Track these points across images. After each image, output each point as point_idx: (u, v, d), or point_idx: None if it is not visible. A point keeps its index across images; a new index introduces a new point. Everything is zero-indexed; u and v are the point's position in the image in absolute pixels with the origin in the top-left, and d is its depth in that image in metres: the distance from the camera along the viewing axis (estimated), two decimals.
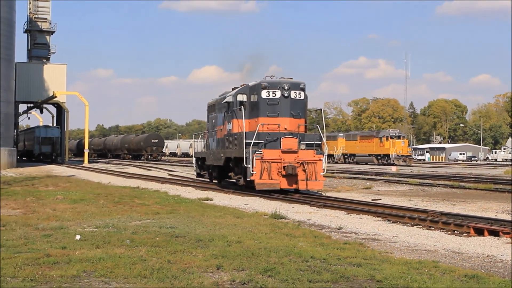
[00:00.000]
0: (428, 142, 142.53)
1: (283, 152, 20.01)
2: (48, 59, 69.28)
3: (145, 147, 76.48)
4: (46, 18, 68.87)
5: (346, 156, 72.17)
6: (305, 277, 7.42)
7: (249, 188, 20.81)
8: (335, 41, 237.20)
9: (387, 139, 64.97)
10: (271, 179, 19.66)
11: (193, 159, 29.55)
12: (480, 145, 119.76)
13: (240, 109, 21.03)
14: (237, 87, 22.51)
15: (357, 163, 68.86)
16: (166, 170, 43.70)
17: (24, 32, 70.32)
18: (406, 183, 28.07)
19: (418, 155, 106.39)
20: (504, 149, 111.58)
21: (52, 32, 69.73)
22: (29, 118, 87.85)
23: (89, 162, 62.56)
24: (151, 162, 69.43)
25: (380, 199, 19.71)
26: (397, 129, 77.28)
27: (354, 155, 70.68)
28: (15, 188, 22.56)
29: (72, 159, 78.53)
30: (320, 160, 20.30)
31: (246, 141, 19.91)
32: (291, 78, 21.25)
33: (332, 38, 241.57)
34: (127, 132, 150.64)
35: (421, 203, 18.61)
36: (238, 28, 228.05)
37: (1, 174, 34.77)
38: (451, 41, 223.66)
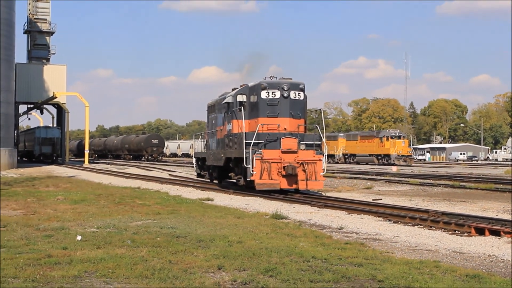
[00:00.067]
0: (429, 142, 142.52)
1: (283, 152, 20.02)
2: (48, 59, 69.32)
3: (146, 148, 76.49)
4: (45, 19, 68.92)
5: (346, 156, 72.17)
6: (306, 277, 7.42)
7: (249, 188, 20.82)
8: (335, 41, 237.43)
9: (387, 139, 64.98)
10: (271, 179, 19.68)
11: (194, 160, 29.55)
12: (480, 145, 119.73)
13: (240, 110, 21.04)
14: (237, 88, 22.52)
15: (357, 163, 68.86)
16: (166, 170, 43.71)
17: (24, 33, 70.39)
18: (406, 183, 28.07)
19: (418, 155, 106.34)
20: (505, 149, 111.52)
21: (52, 33, 69.77)
22: (29, 119, 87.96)
23: (89, 162, 62.60)
24: (152, 162, 69.42)
25: (381, 199, 19.71)
26: (397, 129, 77.29)
27: (354, 155, 70.68)
28: (16, 189, 22.57)
29: (72, 159, 78.59)
30: (320, 160, 20.32)
31: (246, 141, 19.94)
32: (291, 79, 21.27)
33: (332, 38, 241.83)
34: (127, 132, 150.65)
35: (422, 203, 18.61)
36: (238, 28, 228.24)
37: (2, 175, 34.77)
38: (451, 41, 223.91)
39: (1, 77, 44.69)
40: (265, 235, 10.91)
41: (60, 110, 70.44)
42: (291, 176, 19.89)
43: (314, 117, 29.42)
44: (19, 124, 78.80)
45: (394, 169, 48.39)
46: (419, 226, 12.93)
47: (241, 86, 22.26)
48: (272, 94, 20.67)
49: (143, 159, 77.27)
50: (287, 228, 11.96)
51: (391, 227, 12.89)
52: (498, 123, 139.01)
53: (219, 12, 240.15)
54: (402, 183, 28.15)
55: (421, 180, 29.94)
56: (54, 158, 65.24)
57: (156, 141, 78.28)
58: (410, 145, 78.29)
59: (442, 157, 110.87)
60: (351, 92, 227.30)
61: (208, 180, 26.66)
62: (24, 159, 72.68)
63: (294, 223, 13.11)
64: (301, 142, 20.38)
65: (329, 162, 67.86)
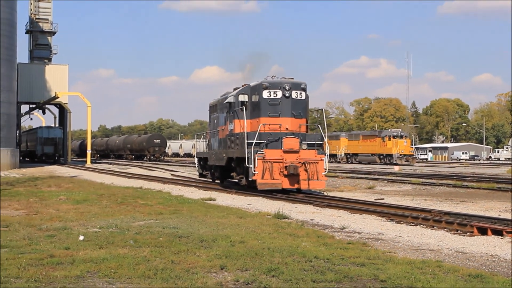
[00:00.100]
0: (431, 141, 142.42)
1: (285, 152, 20.03)
2: (49, 59, 69.35)
3: (148, 148, 76.54)
4: (47, 19, 68.95)
5: (348, 156, 72.14)
6: (308, 277, 7.41)
7: (251, 188, 20.82)
8: (337, 40, 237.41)
9: (389, 139, 64.94)
10: (273, 179, 19.69)
11: (196, 159, 29.57)
12: (482, 144, 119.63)
13: (242, 109, 21.06)
14: (239, 87, 22.53)
15: (359, 162, 68.81)
16: (168, 170, 43.73)
17: (25, 33, 70.42)
18: (409, 183, 28.05)
19: (420, 154, 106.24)
20: (507, 148, 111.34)
21: (54, 33, 69.80)
22: (31, 119, 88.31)
23: (91, 162, 62.65)
24: (154, 162, 69.47)
25: (383, 199, 19.70)
26: (399, 129, 77.26)
27: (356, 154, 70.65)
28: (18, 189, 22.60)
29: (74, 159, 78.72)
30: (321, 159, 20.33)
31: (248, 141, 19.96)
32: (292, 78, 21.29)
33: (334, 37, 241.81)
34: (129, 132, 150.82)
35: (424, 203, 18.59)
36: (239, 28, 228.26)
37: (4, 175, 34.81)
38: (452, 40, 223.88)
39: (3, 77, 44.74)
40: (268, 235, 10.91)
41: (62, 110, 70.49)
42: (293, 176, 19.89)
43: (316, 116, 29.46)
44: (21, 124, 78.85)
45: (396, 168, 48.36)
46: (421, 225, 12.91)
47: (242, 86, 22.27)
48: (274, 93, 20.68)
49: (145, 159, 77.32)
50: (289, 228, 11.95)
51: (394, 226, 12.88)
52: (500, 122, 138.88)
53: (219, 12, 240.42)
54: (404, 183, 28.13)
55: (423, 180, 29.92)
56: (56, 158, 65.32)
57: (158, 141, 78.32)
58: (412, 145, 78.22)
59: (444, 157, 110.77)
60: (353, 91, 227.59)
61: (210, 180, 26.67)
62: (26, 159, 72.78)
63: (296, 223, 13.10)
64: (302, 142, 20.38)
65: (331, 162, 67.85)
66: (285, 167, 19.79)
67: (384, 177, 33.11)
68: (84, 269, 7.70)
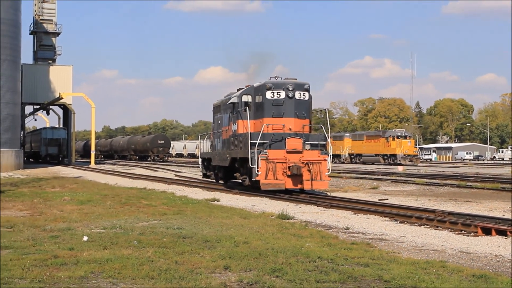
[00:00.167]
0: (435, 141, 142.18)
1: (288, 152, 20.04)
2: (54, 60, 69.53)
3: (152, 148, 76.63)
4: (51, 20, 69.13)
5: (352, 156, 72.08)
6: (312, 278, 7.41)
7: (254, 189, 20.83)
8: (341, 41, 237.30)
9: (393, 139, 64.85)
10: (276, 179, 19.71)
11: (199, 160, 29.59)
12: (486, 144, 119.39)
13: (245, 110, 21.08)
14: (242, 88, 22.55)
15: (363, 163, 68.74)
16: (172, 171, 43.76)
17: (30, 34, 70.62)
18: (413, 183, 28.01)
19: (424, 154, 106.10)
20: (511, 148, 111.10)
21: (58, 34, 69.98)
22: (35, 120, 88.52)
23: (95, 163, 62.77)
24: (158, 163, 69.54)
25: (387, 199, 19.68)
26: (403, 129, 77.15)
27: (360, 155, 70.58)
28: (22, 190, 22.65)
29: (78, 160, 78.80)
30: (325, 160, 20.33)
31: (251, 141, 20.00)
32: (296, 79, 21.31)
33: (338, 38, 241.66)
34: (133, 133, 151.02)
35: (428, 203, 18.57)
36: (243, 28, 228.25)
37: (9, 176, 34.90)
38: (456, 40, 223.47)
39: (8, 78, 44.83)
40: (271, 235, 10.91)
41: (66, 111, 70.67)
42: (296, 176, 19.90)
43: (320, 117, 29.44)
44: (26, 125, 79.17)
45: (400, 169, 48.29)
46: (425, 226, 12.90)
47: (246, 87, 22.29)
48: (277, 94, 20.70)
49: (149, 159, 77.42)
50: (293, 229, 11.95)
51: (398, 227, 12.87)
52: (504, 122, 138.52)
53: (223, 12, 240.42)
54: (408, 183, 28.09)
55: (427, 180, 29.87)
56: (60, 158, 65.44)
57: (162, 141, 78.40)
58: (416, 145, 78.10)
59: (448, 157, 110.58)
60: (357, 91, 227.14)
61: (214, 181, 26.69)
62: (30, 160, 72.95)
63: (300, 223, 13.10)
64: (306, 142, 20.40)
65: (335, 162, 67.81)
66: (288, 167, 19.80)
67: (388, 177, 33.08)
68: (88, 270, 7.71)
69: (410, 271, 7.81)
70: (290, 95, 20.64)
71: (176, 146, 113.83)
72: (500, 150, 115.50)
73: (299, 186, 20.10)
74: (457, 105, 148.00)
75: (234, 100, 22.32)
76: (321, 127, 22.13)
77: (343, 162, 71.05)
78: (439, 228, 12.50)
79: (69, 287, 6.97)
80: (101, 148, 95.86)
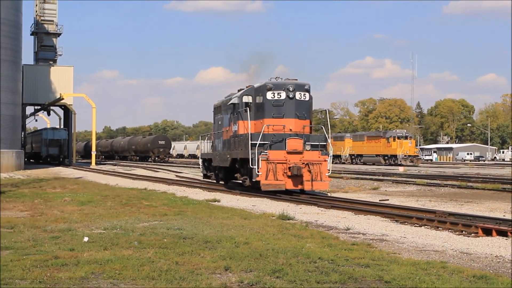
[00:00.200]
0: (435, 142, 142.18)
1: (289, 153, 20.05)
2: (55, 61, 69.59)
3: (152, 149, 76.65)
4: (52, 20, 69.20)
5: (353, 157, 72.09)
6: (313, 278, 7.41)
7: (255, 189, 20.84)
8: (342, 41, 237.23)
9: (394, 140, 64.86)
10: (277, 179, 19.72)
11: (200, 161, 29.60)
12: (487, 145, 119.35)
13: (246, 111, 21.10)
14: (243, 89, 22.57)
15: (364, 163, 68.75)
16: (173, 171, 43.77)
17: (31, 35, 70.68)
18: (413, 184, 28.00)
19: (425, 155, 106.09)
20: None
21: (59, 34, 70.04)
22: (36, 120, 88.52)
23: (96, 164, 62.79)
24: (158, 163, 69.55)
25: (388, 200, 19.68)
26: (404, 129, 77.14)
27: (361, 155, 70.59)
28: (23, 190, 22.66)
29: (79, 161, 78.82)
30: (325, 160, 20.34)
31: (252, 142, 20.01)
32: (296, 80, 21.34)
33: (339, 38, 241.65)
34: (134, 133, 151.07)
35: (429, 204, 18.57)
36: (244, 28, 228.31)
37: (9, 176, 34.92)
38: (457, 40, 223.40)
39: (8, 78, 44.86)
40: (272, 236, 10.91)
41: (67, 112, 70.71)
42: (296, 177, 19.91)
43: (321, 117, 29.44)
44: (26, 126, 79.18)
45: (401, 169, 48.28)
46: (426, 226, 12.90)
47: (247, 87, 22.30)
48: (278, 95, 20.71)
49: (149, 160, 77.44)
50: (294, 229, 11.95)
51: (398, 227, 12.86)
52: (505, 122, 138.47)
53: (224, 13, 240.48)
54: (409, 184, 28.08)
55: (428, 181, 29.87)
56: (61, 159, 65.48)
57: (162, 142, 78.42)
58: (417, 146, 78.08)
59: (449, 157, 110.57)
60: (358, 92, 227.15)
61: (214, 181, 26.71)
62: (31, 160, 72.98)
63: (300, 224, 13.10)
64: (306, 143, 20.42)
65: (336, 163, 67.82)
66: (289, 168, 19.80)
67: (389, 178, 33.07)
68: (88, 271, 7.71)
69: (410, 271, 7.81)
70: (291, 96, 20.65)
71: (177, 147, 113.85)
72: (501, 150, 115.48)
73: (300, 187, 20.11)
74: (458, 105, 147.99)
75: (234, 100, 22.35)
76: (322, 128, 22.15)
77: (343, 163, 71.06)
78: (439, 228, 12.49)
79: (70, 287, 6.97)
80: (101, 149, 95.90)
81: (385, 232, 12.09)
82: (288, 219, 13.90)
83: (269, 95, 20.75)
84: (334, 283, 7.27)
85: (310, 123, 21.46)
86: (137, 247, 9.47)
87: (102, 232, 11.25)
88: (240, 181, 22.93)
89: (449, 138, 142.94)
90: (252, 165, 19.80)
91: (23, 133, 61.59)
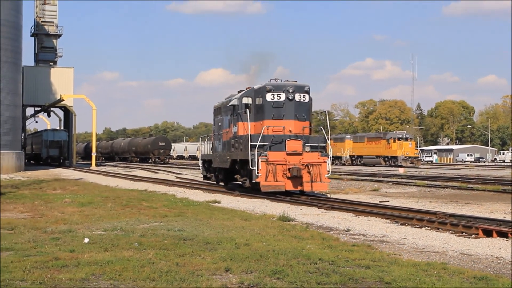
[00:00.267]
0: (436, 143, 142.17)
1: (288, 154, 20.06)
2: (55, 62, 69.65)
3: (153, 150, 76.67)
4: (53, 22, 69.24)
5: (353, 158, 72.11)
6: (313, 280, 7.41)
7: (255, 190, 20.85)
8: (342, 42, 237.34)
9: (394, 141, 64.88)
10: (277, 181, 19.73)
11: (200, 162, 29.60)
12: (487, 146, 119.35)
13: (246, 112, 21.12)
14: (243, 90, 22.59)
15: (364, 165, 68.77)
16: (173, 173, 43.77)
17: (31, 36, 70.74)
18: (413, 185, 28.00)
19: (425, 156, 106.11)
20: None
21: (59, 36, 70.09)
22: (36, 122, 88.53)
23: (96, 165, 62.78)
24: (159, 165, 69.56)
25: (388, 201, 19.68)
26: (404, 131, 77.28)
27: (361, 157, 70.61)
28: (23, 192, 22.66)
29: (79, 162, 78.81)
30: (324, 162, 20.34)
31: (252, 143, 20.02)
32: (296, 81, 21.36)
33: (339, 39, 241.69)
34: (134, 135, 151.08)
35: (429, 205, 18.57)
36: (244, 30, 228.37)
37: (10, 178, 34.93)
38: (457, 41, 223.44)
39: (9, 80, 44.89)
40: (272, 237, 10.91)
41: (67, 113, 70.74)
42: (296, 178, 19.92)
43: (320, 119, 29.45)
44: (27, 127, 79.21)
45: (401, 170, 48.27)
46: (426, 228, 12.89)
47: (246, 89, 22.32)
48: (277, 96, 20.73)
49: (150, 161, 77.45)
50: (294, 230, 11.95)
51: (398, 229, 12.86)
52: (505, 124, 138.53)
53: (225, 14, 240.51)
54: (409, 185, 28.08)
55: (428, 182, 29.87)
56: (61, 160, 65.49)
57: (163, 143, 78.45)
58: (417, 147, 78.14)
59: (449, 159, 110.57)
60: (358, 93, 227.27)
61: (215, 182, 26.72)
62: (31, 162, 73.01)
63: (301, 225, 13.10)
64: (306, 144, 20.44)
65: (336, 164, 67.81)
66: (289, 169, 19.81)
67: (389, 179, 33.08)
68: (89, 272, 7.71)
69: (411, 273, 7.81)
70: (290, 97, 20.67)
71: (177, 148, 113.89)
72: (501, 152, 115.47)
73: (299, 188, 20.13)
74: (458, 107, 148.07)
75: (234, 102, 22.36)
76: (321, 129, 22.16)
77: (344, 164, 71.07)
78: (440, 230, 12.49)
79: None
80: (102, 150, 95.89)
81: (385, 233, 12.09)
82: (289, 220, 13.90)
83: (268, 97, 20.77)
84: (335, 284, 7.27)
85: (310, 125, 21.47)
86: (138, 249, 9.47)
87: (103, 234, 11.25)
88: (240, 182, 22.92)
89: (449, 140, 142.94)
90: (252, 166, 19.82)
91: (23, 135, 61.62)
